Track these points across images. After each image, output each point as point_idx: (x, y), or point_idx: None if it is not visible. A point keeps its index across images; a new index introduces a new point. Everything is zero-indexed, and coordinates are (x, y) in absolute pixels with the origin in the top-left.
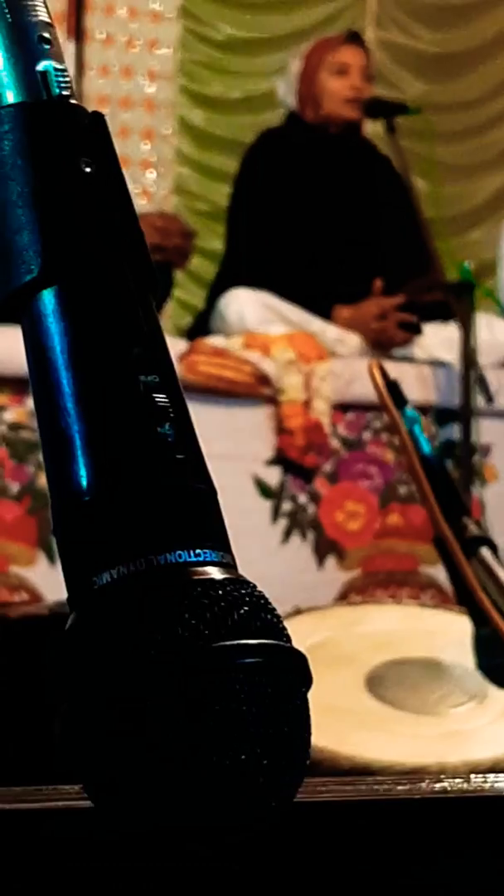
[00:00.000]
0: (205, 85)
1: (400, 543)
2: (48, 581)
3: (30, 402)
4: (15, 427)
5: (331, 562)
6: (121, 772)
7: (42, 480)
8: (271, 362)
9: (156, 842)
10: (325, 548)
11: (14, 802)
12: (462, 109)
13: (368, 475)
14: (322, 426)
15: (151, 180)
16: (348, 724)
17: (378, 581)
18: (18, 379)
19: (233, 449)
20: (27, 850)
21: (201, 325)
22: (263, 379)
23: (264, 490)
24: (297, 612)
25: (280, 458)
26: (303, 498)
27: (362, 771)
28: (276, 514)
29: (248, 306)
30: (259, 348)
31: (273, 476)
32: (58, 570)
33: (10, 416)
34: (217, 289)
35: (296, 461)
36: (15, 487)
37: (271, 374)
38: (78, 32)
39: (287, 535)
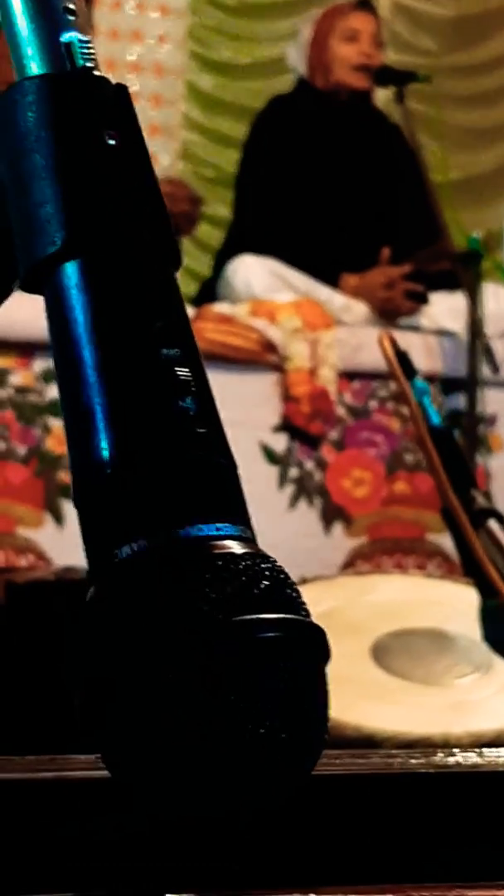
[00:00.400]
0: (214, 50)
1: (406, 511)
2: (55, 543)
3: (36, 366)
4: (22, 390)
5: (338, 528)
6: (139, 744)
7: (49, 443)
8: (277, 330)
9: (173, 815)
10: (331, 514)
11: (27, 771)
12: (479, 73)
13: (374, 443)
14: (328, 394)
15: (159, 145)
16: (353, 694)
17: (385, 548)
18: (24, 343)
19: (239, 415)
20: (41, 820)
21: (208, 292)
22: (270, 346)
23: (271, 456)
24: (303, 581)
25: (286, 425)
26: (309, 464)
27: (367, 740)
28: (283, 480)
29: (254, 273)
30: (265, 316)
31: (279, 443)
32: (64, 532)
33: (17, 379)
34: (224, 256)
35: (302, 428)
36: (22, 450)
37: (277, 341)
38: None
39: (294, 500)
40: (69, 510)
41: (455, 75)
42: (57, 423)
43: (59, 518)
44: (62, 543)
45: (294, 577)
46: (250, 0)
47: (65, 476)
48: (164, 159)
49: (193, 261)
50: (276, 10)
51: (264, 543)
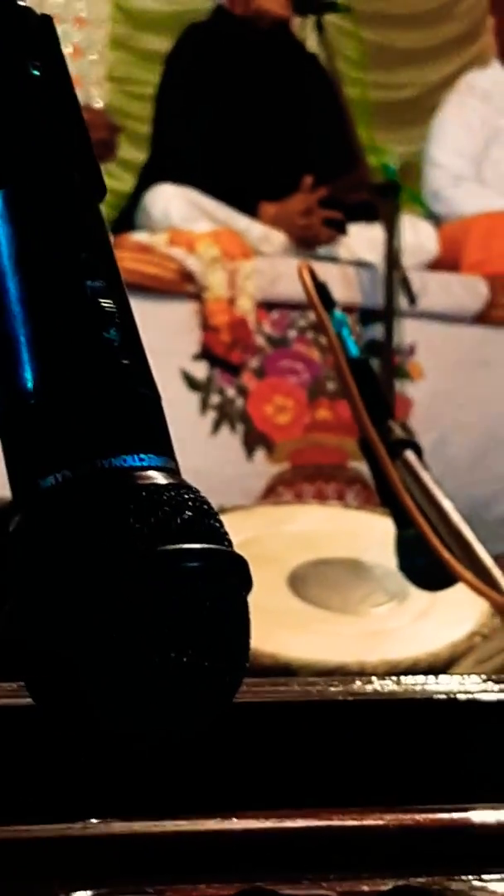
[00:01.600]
0: None
1: (329, 437)
2: None
3: None
4: None
5: (259, 454)
6: (63, 672)
7: None
8: (196, 259)
9: (96, 741)
10: (253, 440)
11: None
12: None
13: (295, 371)
14: (247, 323)
15: (85, 65)
16: (270, 623)
17: (306, 475)
18: None
19: (158, 343)
20: None
21: (126, 221)
22: (188, 276)
23: (192, 383)
24: (222, 510)
25: (206, 354)
26: (231, 391)
27: (283, 668)
28: (204, 406)
29: (173, 203)
30: (184, 245)
31: (200, 370)
32: None
33: None
34: (142, 184)
35: (221, 357)
36: None
37: (196, 271)
38: None
39: (216, 427)
40: None
41: None
42: None
43: None
44: None
45: (214, 504)
46: None
47: None
48: (90, 77)
49: (119, 182)
50: None
51: (187, 469)
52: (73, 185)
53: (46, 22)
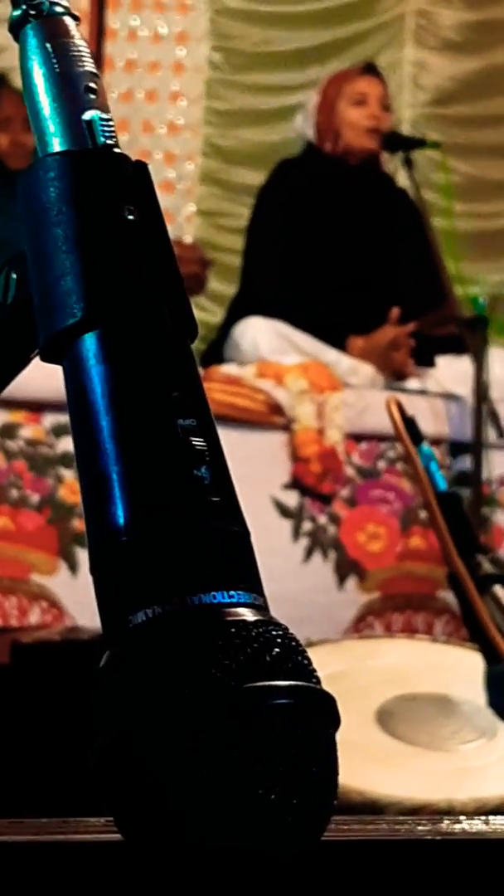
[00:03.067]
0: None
1: (420, 566)
2: (68, 590)
3: (45, 421)
4: (32, 443)
5: (351, 582)
6: (153, 808)
7: (61, 492)
8: (284, 391)
9: (184, 880)
10: (346, 568)
11: (37, 834)
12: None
13: (387, 500)
14: (337, 454)
15: (175, 199)
16: (359, 758)
17: (396, 605)
18: (32, 401)
19: (249, 473)
20: (51, 884)
21: (215, 353)
22: (276, 408)
23: (283, 510)
24: (309, 643)
25: (297, 484)
26: (322, 519)
27: (371, 804)
28: (296, 533)
29: (262, 335)
30: (272, 377)
31: (291, 498)
32: (77, 580)
33: (27, 432)
34: (231, 317)
35: (312, 487)
36: (35, 498)
37: (284, 403)
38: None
39: (308, 554)
40: (82, 557)
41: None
42: (68, 474)
43: (73, 566)
44: (75, 591)
45: (303, 635)
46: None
47: (78, 524)
48: (181, 214)
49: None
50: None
51: (279, 596)
52: (165, 325)
53: (141, 167)
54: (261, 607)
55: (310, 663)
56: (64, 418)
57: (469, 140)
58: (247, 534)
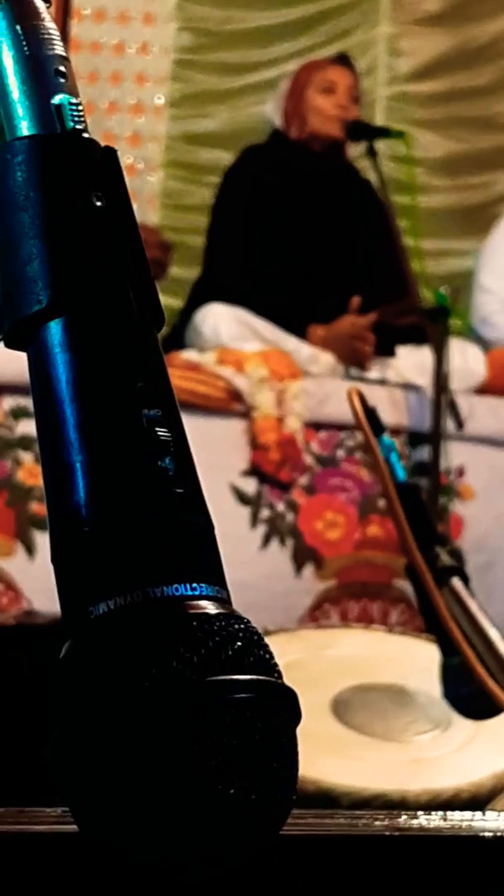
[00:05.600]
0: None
1: (377, 555)
2: (25, 573)
3: (4, 404)
4: None
5: (308, 570)
6: (110, 800)
7: (20, 475)
8: (244, 378)
9: (140, 871)
10: (303, 555)
11: None
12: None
13: (346, 489)
14: (296, 441)
15: (138, 182)
16: (313, 748)
17: (352, 593)
18: None
19: (208, 459)
20: (6, 874)
21: (176, 339)
22: (236, 395)
23: (242, 497)
24: (266, 632)
25: (255, 471)
26: (281, 506)
27: (325, 794)
28: (254, 520)
29: (223, 322)
30: (233, 364)
31: (249, 485)
32: (34, 563)
33: None
34: (193, 302)
35: (271, 475)
36: None
37: (244, 390)
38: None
39: (266, 541)
40: (39, 540)
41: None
42: (27, 457)
43: (30, 549)
44: (32, 574)
45: (259, 623)
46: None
47: (35, 507)
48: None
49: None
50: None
51: (236, 582)
52: (131, 314)
53: (110, 153)
54: (223, 600)
55: (272, 657)
56: (23, 401)
57: (448, 115)
58: (210, 526)
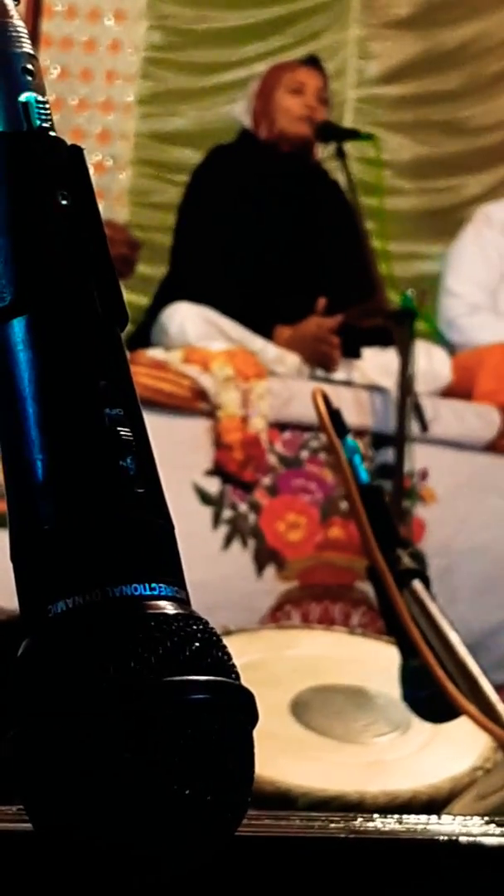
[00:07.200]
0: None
1: (339, 557)
2: None
3: None
4: None
5: (269, 572)
6: (65, 799)
7: None
8: (210, 377)
9: (93, 869)
10: (265, 556)
11: None
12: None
13: (308, 490)
14: (260, 441)
15: (106, 179)
16: (272, 748)
17: (314, 594)
18: None
19: (171, 458)
20: None
21: (142, 337)
22: (201, 394)
23: (204, 497)
24: (227, 632)
25: (219, 471)
26: (243, 507)
27: (283, 795)
28: (216, 520)
29: (189, 321)
30: (198, 363)
31: (212, 485)
32: None
33: None
34: (159, 301)
35: (234, 474)
36: None
37: (209, 389)
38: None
39: (228, 541)
40: None
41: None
42: None
43: None
44: None
45: (219, 623)
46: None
47: None
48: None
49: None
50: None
51: (196, 582)
52: (95, 313)
53: (76, 152)
54: (182, 601)
55: (229, 659)
56: None
57: (416, 118)
58: (171, 527)
